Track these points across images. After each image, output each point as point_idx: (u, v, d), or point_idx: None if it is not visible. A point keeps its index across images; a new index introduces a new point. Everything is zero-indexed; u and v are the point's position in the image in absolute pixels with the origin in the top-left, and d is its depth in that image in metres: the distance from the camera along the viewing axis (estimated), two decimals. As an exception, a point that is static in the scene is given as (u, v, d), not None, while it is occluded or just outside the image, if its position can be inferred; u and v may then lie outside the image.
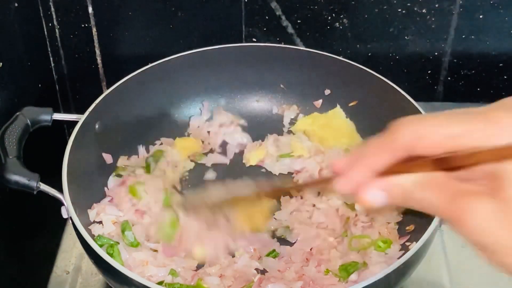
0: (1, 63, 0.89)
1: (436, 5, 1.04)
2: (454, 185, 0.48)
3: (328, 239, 0.90)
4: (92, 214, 0.88)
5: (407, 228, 0.89)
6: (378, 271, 0.76)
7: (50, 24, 1.07)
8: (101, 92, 0.97)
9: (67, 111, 1.14)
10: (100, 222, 0.88)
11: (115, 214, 0.89)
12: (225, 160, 1.03)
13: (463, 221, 0.46)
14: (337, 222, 0.92)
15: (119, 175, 0.96)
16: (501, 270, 0.46)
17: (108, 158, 0.96)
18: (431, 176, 0.49)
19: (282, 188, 0.83)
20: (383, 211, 0.92)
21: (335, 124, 1.04)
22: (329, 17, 1.07)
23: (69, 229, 1.00)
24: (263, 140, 1.04)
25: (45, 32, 1.07)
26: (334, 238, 0.90)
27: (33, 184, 0.81)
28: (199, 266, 0.86)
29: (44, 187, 0.81)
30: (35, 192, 0.81)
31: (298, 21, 1.08)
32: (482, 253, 0.46)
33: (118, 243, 0.85)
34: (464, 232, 0.46)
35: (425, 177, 0.50)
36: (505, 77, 1.13)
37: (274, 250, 0.88)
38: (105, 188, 0.94)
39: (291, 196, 0.95)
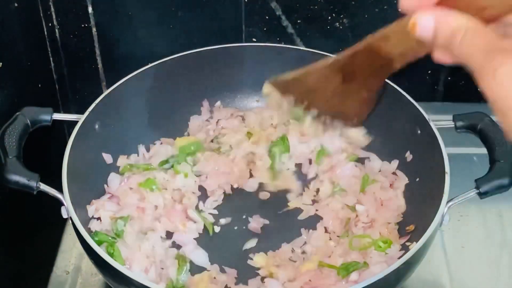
0: (1, 63, 0.89)
1: (436, 5, 1.04)
2: (497, 41, 0.48)
3: (329, 240, 0.90)
4: (91, 210, 0.88)
5: (407, 228, 0.89)
6: (379, 271, 0.76)
7: (50, 24, 1.07)
8: (101, 92, 0.97)
9: (67, 111, 1.14)
10: (99, 218, 0.88)
11: (114, 210, 0.90)
12: None
13: (490, 76, 0.46)
14: (337, 224, 0.92)
15: (122, 173, 0.96)
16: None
17: (108, 158, 0.96)
18: (479, 26, 0.49)
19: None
20: None
21: None
22: (329, 17, 1.07)
23: (69, 229, 1.00)
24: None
25: (45, 32, 1.07)
26: (334, 238, 0.91)
27: (33, 184, 0.81)
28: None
29: (44, 187, 0.81)
30: (35, 192, 0.81)
31: (298, 21, 1.08)
32: (499, 115, 0.46)
33: (116, 239, 0.85)
34: (486, 89, 0.46)
35: (474, 24, 0.49)
36: (505, 77, 1.13)
37: None
38: (105, 185, 0.94)
39: None
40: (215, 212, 0.95)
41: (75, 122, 0.90)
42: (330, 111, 0.69)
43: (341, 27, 1.08)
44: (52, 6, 1.05)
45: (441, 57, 0.54)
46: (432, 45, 0.54)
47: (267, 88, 0.73)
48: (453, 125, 0.90)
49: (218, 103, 1.07)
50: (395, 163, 0.97)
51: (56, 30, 1.08)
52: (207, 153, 1.00)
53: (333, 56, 0.65)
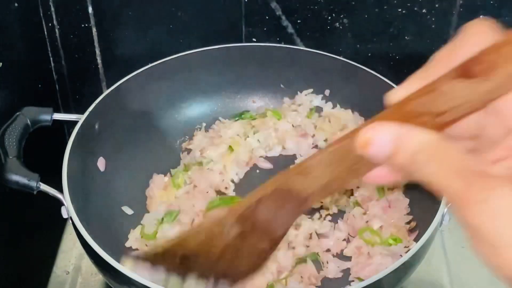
0: (1, 63, 0.89)
1: (436, 5, 1.04)
2: (477, 163, 0.40)
3: None
4: None
5: (409, 225, 0.89)
6: (380, 262, 0.76)
7: (50, 24, 1.07)
8: (101, 92, 0.97)
9: (67, 111, 1.14)
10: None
11: None
12: None
13: (476, 207, 0.38)
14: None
15: None
16: (496, 272, 0.38)
17: (101, 165, 0.95)
18: (449, 144, 0.41)
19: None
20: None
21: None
22: (329, 17, 1.07)
23: (69, 229, 1.00)
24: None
25: (45, 32, 1.07)
26: None
27: (33, 184, 0.81)
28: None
29: (44, 187, 0.81)
30: (35, 192, 0.81)
31: (298, 21, 1.08)
32: (478, 246, 0.39)
33: None
34: (470, 219, 0.38)
35: (444, 141, 0.41)
36: (505, 77, 1.13)
37: None
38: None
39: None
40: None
41: (75, 122, 0.90)
42: (216, 272, 0.56)
43: (341, 27, 1.08)
44: (52, 6, 1.05)
45: (381, 175, 0.46)
46: (375, 166, 0.45)
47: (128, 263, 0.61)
48: (453, 125, 0.90)
49: (223, 101, 1.07)
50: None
51: (56, 30, 1.08)
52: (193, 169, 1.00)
53: (226, 209, 0.54)
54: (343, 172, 0.47)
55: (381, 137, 0.43)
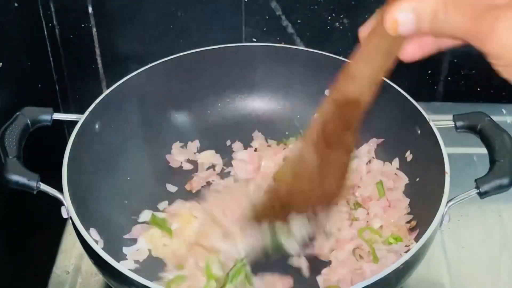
0: (1, 63, 0.89)
1: (436, 5, 1.04)
2: (479, 2, 0.47)
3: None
4: None
5: (409, 225, 0.89)
6: (380, 261, 0.76)
7: (50, 24, 1.07)
8: (101, 92, 0.97)
9: (67, 111, 1.14)
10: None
11: None
12: None
13: (489, 38, 0.46)
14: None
15: None
16: None
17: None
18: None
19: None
20: None
21: None
22: (329, 17, 1.07)
23: (69, 229, 1.00)
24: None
25: (45, 32, 1.07)
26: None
27: (33, 184, 0.81)
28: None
29: (44, 187, 0.81)
30: (35, 192, 0.81)
31: (298, 21, 1.08)
32: (504, 69, 0.46)
33: None
34: (488, 48, 0.46)
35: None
36: (505, 77, 1.13)
37: None
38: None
39: None
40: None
41: (75, 122, 0.90)
42: (312, 203, 0.64)
43: (341, 27, 1.08)
44: (52, 6, 1.05)
45: (412, 51, 0.55)
46: (408, 40, 0.53)
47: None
48: (453, 125, 0.90)
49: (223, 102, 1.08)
50: (395, 162, 0.97)
51: (56, 30, 1.08)
52: None
53: (299, 140, 0.63)
54: (380, 60, 0.56)
55: (403, 13, 0.51)
